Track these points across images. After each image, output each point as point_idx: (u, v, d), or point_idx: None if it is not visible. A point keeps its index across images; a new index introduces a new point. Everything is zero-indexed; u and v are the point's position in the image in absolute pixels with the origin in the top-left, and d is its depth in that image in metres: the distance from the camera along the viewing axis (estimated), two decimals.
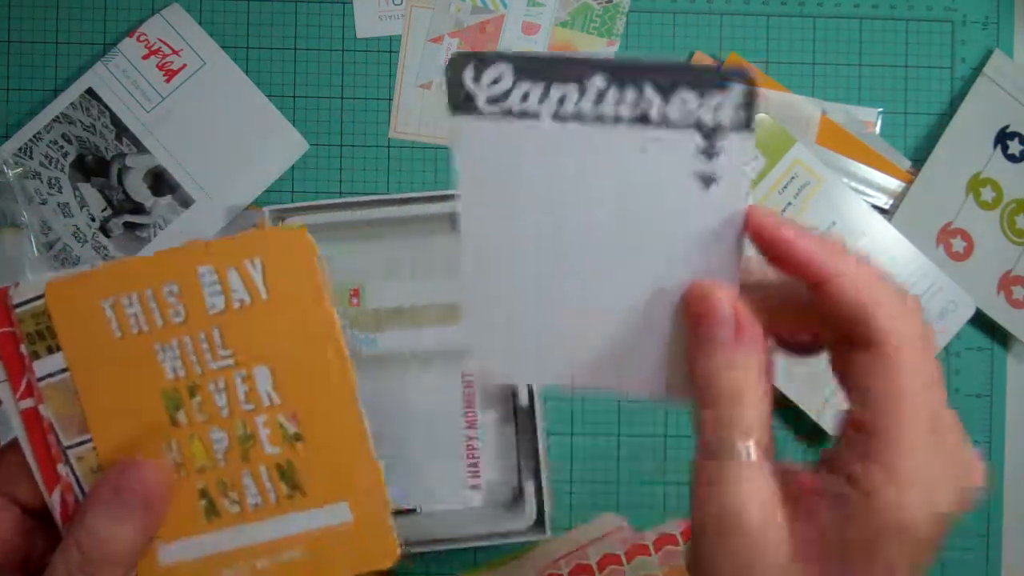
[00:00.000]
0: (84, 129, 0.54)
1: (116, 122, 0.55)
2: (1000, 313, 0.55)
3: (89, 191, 0.55)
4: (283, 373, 0.28)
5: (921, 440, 0.24)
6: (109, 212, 0.55)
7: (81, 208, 0.55)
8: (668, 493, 0.56)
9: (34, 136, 0.54)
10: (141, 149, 0.55)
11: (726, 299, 0.26)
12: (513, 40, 0.56)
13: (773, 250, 0.26)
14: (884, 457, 0.24)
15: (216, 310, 0.28)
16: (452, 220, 0.53)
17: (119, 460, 0.28)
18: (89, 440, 0.28)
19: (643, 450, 0.56)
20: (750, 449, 0.25)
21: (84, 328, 0.28)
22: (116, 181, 0.55)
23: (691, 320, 0.27)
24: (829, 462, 0.25)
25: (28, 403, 0.28)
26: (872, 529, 0.24)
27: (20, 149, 0.54)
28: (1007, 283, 0.55)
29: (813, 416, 0.54)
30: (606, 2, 0.56)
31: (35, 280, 0.28)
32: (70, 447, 0.28)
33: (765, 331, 0.27)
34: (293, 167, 0.56)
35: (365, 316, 0.53)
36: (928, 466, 0.24)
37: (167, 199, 0.55)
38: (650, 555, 0.54)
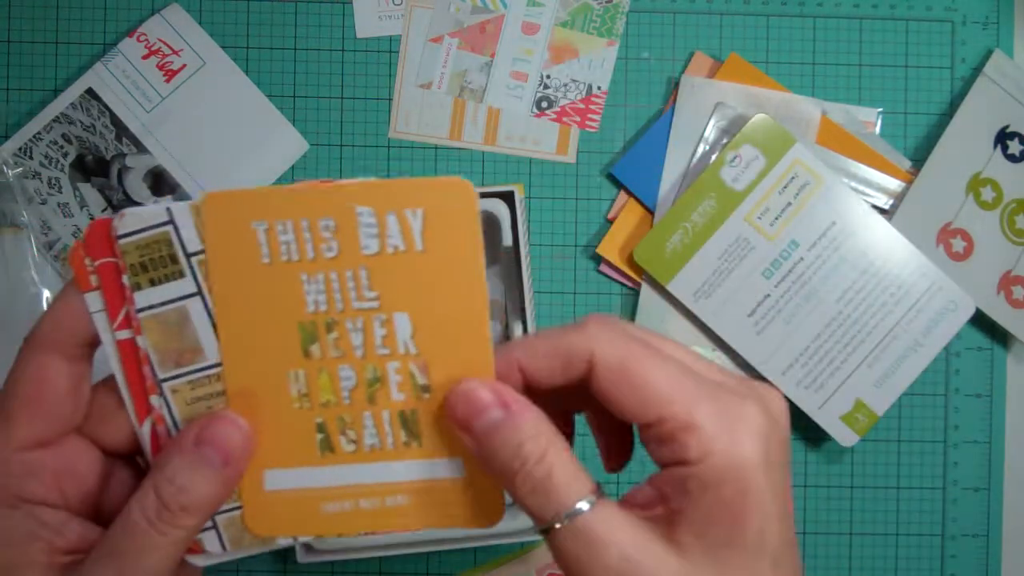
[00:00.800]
0: (84, 129, 0.54)
1: (116, 122, 0.55)
2: (1000, 313, 0.55)
3: (89, 191, 0.55)
4: (423, 324, 0.28)
5: (698, 391, 0.26)
6: (109, 212, 0.55)
7: (81, 208, 0.55)
8: None
9: (34, 136, 0.54)
10: (141, 149, 0.55)
11: (476, 385, 0.27)
12: (513, 40, 0.56)
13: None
14: (683, 427, 0.25)
15: (369, 251, 0.28)
16: None
17: (206, 413, 0.28)
18: (185, 374, 0.28)
19: (642, 449, 0.56)
20: (592, 500, 0.25)
21: (234, 247, 0.27)
22: (116, 181, 0.55)
23: (461, 425, 0.27)
24: (652, 476, 0.27)
25: (125, 334, 0.28)
26: (724, 488, 0.25)
27: (20, 149, 0.54)
28: (1007, 283, 0.55)
29: (812, 416, 0.54)
30: (606, 2, 0.56)
31: (139, 210, 0.28)
32: (165, 380, 0.28)
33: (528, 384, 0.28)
34: (293, 167, 0.56)
35: None
36: (720, 405, 0.26)
37: (167, 199, 0.55)
38: None
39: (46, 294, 0.54)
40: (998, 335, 0.57)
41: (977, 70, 0.56)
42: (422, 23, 0.56)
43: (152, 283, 0.28)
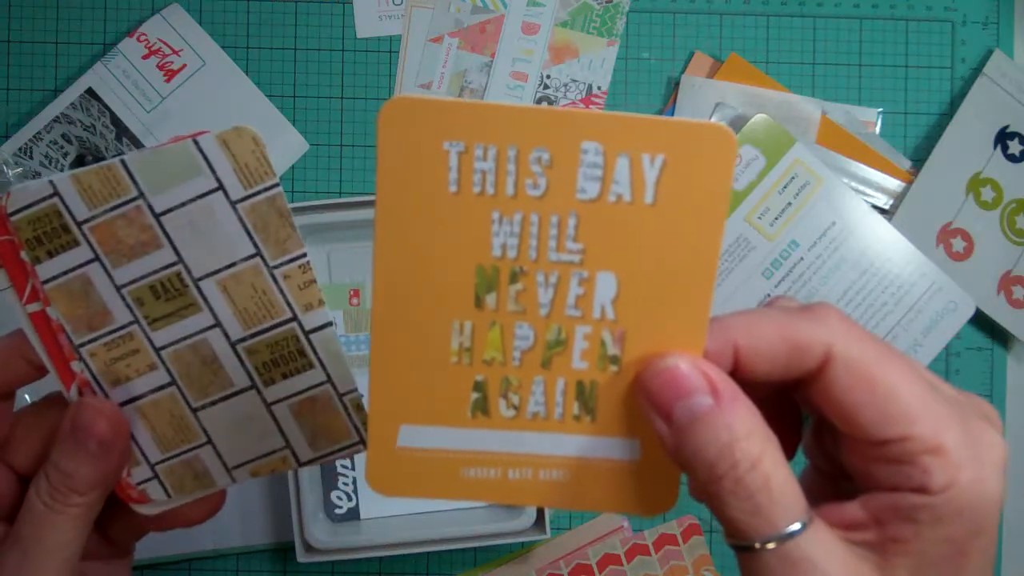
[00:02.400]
0: (84, 129, 0.54)
1: (116, 122, 0.55)
2: (1000, 313, 0.55)
3: None
4: (632, 289, 0.24)
5: (945, 413, 0.23)
6: None
7: None
8: None
9: (34, 136, 0.54)
10: (141, 149, 0.55)
11: (683, 361, 0.23)
12: (513, 40, 0.56)
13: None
14: (929, 450, 0.22)
15: (585, 196, 0.23)
16: None
17: (77, 400, 0.29)
18: (99, 337, 0.29)
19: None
20: (804, 522, 0.22)
21: (413, 167, 0.23)
22: None
23: (657, 407, 0.23)
24: (863, 489, 0.24)
25: (35, 306, 0.29)
26: (961, 523, 0.22)
27: (20, 149, 0.54)
28: (1007, 283, 0.55)
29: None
30: (606, 2, 0.56)
31: (25, 186, 0.28)
32: (82, 344, 0.29)
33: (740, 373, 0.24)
34: (293, 167, 0.56)
35: (366, 316, 0.53)
36: (966, 431, 0.23)
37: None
38: (650, 555, 0.54)
39: None
40: (998, 335, 0.57)
41: (977, 70, 0.56)
42: (422, 23, 0.56)
43: (50, 255, 0.28)
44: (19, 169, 0.54)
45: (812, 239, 0.54)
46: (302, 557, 0.50)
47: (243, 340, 0.29)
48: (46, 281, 0.28)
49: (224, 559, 0.55)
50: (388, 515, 0.53)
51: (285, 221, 0.29)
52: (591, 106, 0.56)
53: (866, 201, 0.54)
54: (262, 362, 0.30)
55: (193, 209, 0.28)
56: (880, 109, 0.57)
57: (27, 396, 0.54)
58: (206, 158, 0.28)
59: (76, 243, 0.28)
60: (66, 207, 0.28)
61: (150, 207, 0.28)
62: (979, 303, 0.54)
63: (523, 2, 0.56)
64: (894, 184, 0.55)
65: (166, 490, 0.30)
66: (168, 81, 0.55)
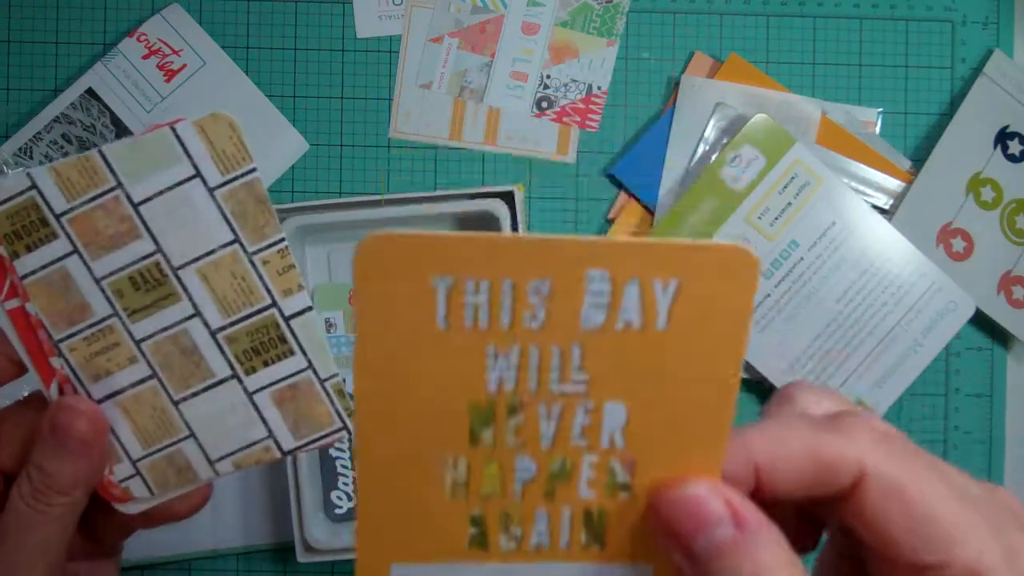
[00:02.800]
0: (84, 129, 0.54)
1: (116, 122, 0.55)
2: (1000, 313, 0.55)
3: None
4: (643, 417, 0.22)
5: (984, 529, 0.21)
6: None
7: None
8: None
9: (34, 136, 0.54)
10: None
11: (703, 487, 0.21)
12: (513, 40, 0.56)
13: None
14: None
15: (590, 326, 0.22)
16: (453, 220, 0.53)
17: (56, 400, 0.29)
18: (79, 332, 0.29)
19: None
20: None
21: (397, 304, 0.21)
22: None
23: (676, 538, 0.21)
24: None
25: (13, 303, 0.29)
26: None
27: (20, 149, 0.54)
28: (1007, 283, 0.55)
29: None
30: (606, 2, 0.56)
31: (2, 180, 0.28)
32: (61, 340, 0.29)
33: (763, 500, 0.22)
34: (293, 167, 0.56)
35: None
36: (1004, 545, 0.21)
37: None
38: None
39: None
40: (998, 335, 0.57)
41: (977, 70, 0.56)
42: (422, 23, 0.56)
43: (28, 249, 0.28)
44: (19, 169, 0.54)
45: (812, 239, 0.54)
46: (302, 557, 0.50)
47: (223, 328, 0.29)
48: (25, 276, 0.28)
49: (224, 559, 0.55)
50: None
51: (263, 207, 0.29)
52: (591, 106, 0.56)
53: (866, 201, 0.54)
54: (243, 350, 0.29)
55: (171, 197, 0.28)
56: (880, 109, 0.57)
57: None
58: (183, 145, 0.28)
59: (55, 236, 0.28)
60: (44, 200, 0.28)
61: (128, 197, 0.28)
62: (979, 303, 0.54)
63: (523, 2, 0.56)
64: (894, 184, 0.55)
65: (149, 487, 0.30)
66: (168, 81, 0.55)
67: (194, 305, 0.29)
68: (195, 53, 0.55)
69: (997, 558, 0.21)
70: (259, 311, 0.29)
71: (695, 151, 0.55)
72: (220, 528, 0.54)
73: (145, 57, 0.55)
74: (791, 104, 0.55)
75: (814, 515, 0.25)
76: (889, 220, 0.54)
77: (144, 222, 0.28)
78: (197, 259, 0.29)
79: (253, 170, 0.28)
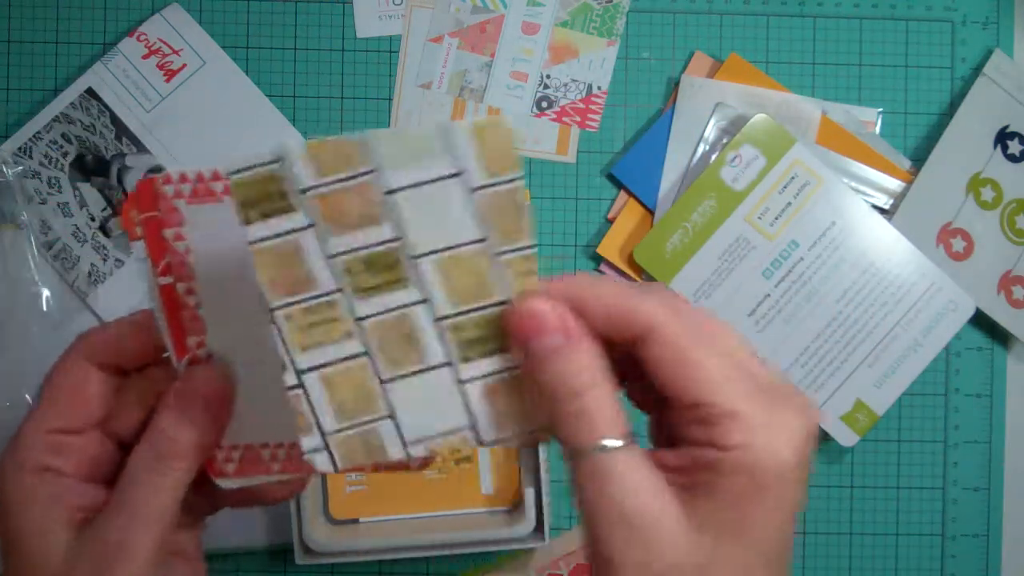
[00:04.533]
0: (84, 129, 0.54)
1: (116, 122, 0.55)
2: (1000, 313, 0.55)
3: (89, 191, 0.55)
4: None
5: (750, 387, 0.27)
6: (109, 212, 0.55)
7: (81, 208, 0.55)
8: None
9: (34, 136, 0.54)
10: (141, 149, 0.55)
11: (548, 306, 0.27)
12: (513, 40, 0.56)
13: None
14: (729, 416, 0.26)
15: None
16: None
17: (189, 370, 0.30)
18: (298, 301, 0.29)
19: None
20: (619, 442, 0.26)
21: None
22: (116, 181, 0.55)
23: (521, 338, 0.28)
24: (684, 440, 0.27)
25: (166, 279, 0.30)
26: (749, 482, 0.26)
27: (20, 149, 0.54)
28: (1007, 283, 0.55)
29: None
30: (606, 2, 0.56)
31: (251, 153, 0.28)
32: (277, 308, 0.29)
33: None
34: None
35: None
36: (768, 405, 0.26)
37: None
38: None
39: (46, 293, 0.54)
40: (998, 335, 0.57)
41: (977, 70, 0.56)
42: (422, 23, 0.56)
43: (264, 216, 0.28)
44: (19, 168, 0.54)
45: (812, 239, 0.54)
46: (300, 559, 0.50)
47: (448, 316, 0.29)
48: (253, 242, 0.28)
49: (224, 559, 0.55)
50: (387, 519, 0.53)
51: (520, 212, 0.28)
52: (591, 105, 0.56)
53: (866, 201, 0.54)
54: (465, 339, 0.29)
55: (426, 191, 0.28)
56: (880, 109, 0.57)
57: (27, 397, 0.54)
58: (452, 143, 0.28)
59: (292, 209, 0.28)
60: (289, 174, 0.28)
61: (382, 183, 0.28)
62: (979, 303, 0.54)
63: (523, 2, 0.56)
64: (894, 184, 0.55)
65: (334, 461, 0.30)
66: (168, 81, 0.55)
67: (425, 292, 0.29)
68: (195, 53, 0.55)
69: (754, 409, 0.26)
70: (490, 306, 0.29)
71: (695, 151, 0.55)
72: (220, 528, 0.54)
73: (145, 57, 0.55)
74: (791, 104, 0.55)
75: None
76: (889, 220, 0.54)
77: (392, 210, 0.28)
78: (437, 251, 0.29)
79: (519, 178, 0.28)
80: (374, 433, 0.30)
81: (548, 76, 0.56)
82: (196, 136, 0.55)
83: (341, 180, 0.28)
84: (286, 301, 0.29)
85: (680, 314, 0.27)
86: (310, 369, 0.29)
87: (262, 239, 0.28)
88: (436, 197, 0.28)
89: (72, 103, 0.54)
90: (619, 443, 0.26)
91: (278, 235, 0.28)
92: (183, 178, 0.29)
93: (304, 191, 0.28)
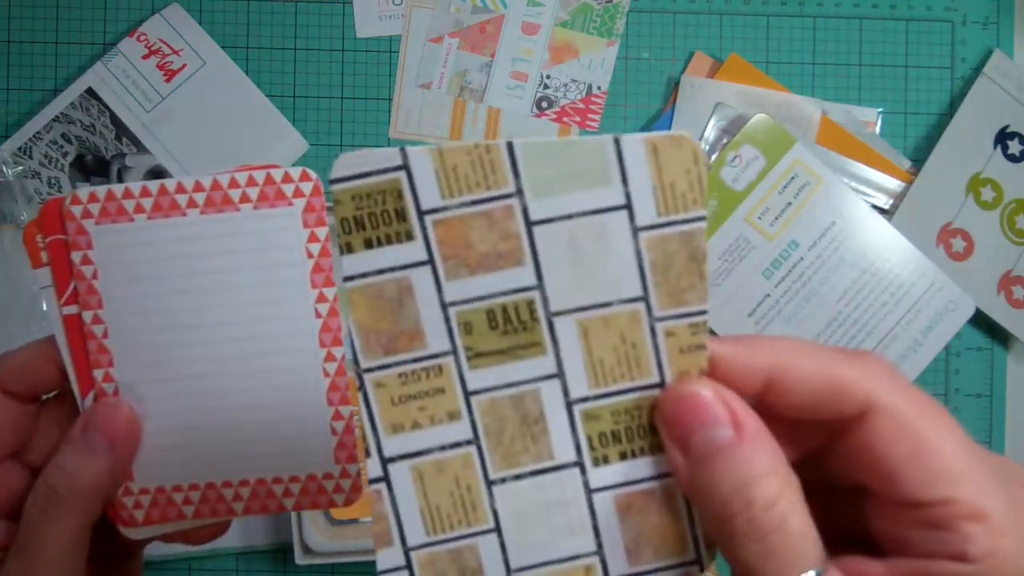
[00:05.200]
0: (84, 129, 0.54)
1: (116, 122, 0.55)
2: (1000, 313, 0.55)
3: None
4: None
5: (986, 478, 0.21)
6: None
7: None
8: None
9: (34, 136, 0.54)
10: (141, 149, 0.55)
11: (710, 389, 0.22)
12: (513, 40, 0.56)
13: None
14: (973, 516, 0.21)
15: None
16: None
17: (95, 403, 0.28)
18: (397, 364, 0.23)
19: None
20: (820, 571, 0.21)
21: None
22: (116, 181, 0.55)
23: (676, 432, 0.22)
24: (891, 553, 0.22)
25: (71, 309, 0.28)
26: None
27: (20, 149, 0.54)
28: (1007, 283, 0.55)
29: None
30: (606, 2, 0.56)
31: (364, 152, 0.22)
32: (369, 370, 0.23)
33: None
34: (293, 167, 0.56)
35: None
36: (1006, 496, 0.21)
37: None
38: None
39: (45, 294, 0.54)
40: (998, 335, 0.57)
41: (977, 70, 0.56)
42: (422, 23, 0.56)
43: (368, 245, 0.22)
44: (19, 168, 0.54)
45: (812, 239, 0.54)
46: (300, 559, 0.50)
47: (585, 400, 0.23)
48: (351, 277, 0.22)
49: (224, 559, 0.55)
50: None
51: (695, 267, 0.23)
52: (591, 105, 0.56)
53: (866, 201, 0.54)
54: (599, 432, 0.23)
55: (580, 224, 0.22)
56: (880, 109, 0.57)
57: None
58: (622, 164, 0.22)
59: (410, 236, 0.22)
60: (412, 188, 0.22)
61: (524, 210, 0.22)
62: (979, 303, 0.54)
63: (523, 2, 0.56)
64: (894, 184, 0.55)
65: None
66: (168, 81, 0.55)
67: (559, 363, 0.22)
68: (195, 53, 0.55)
69: (1000, 505, 0.21)
70: (638, 388, 0.23)
71: None
72: None
73: (145, 57, 0.55)
74: (791, 104, 0.55)
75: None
76: (889, 220, 0.54)
77: (534, 247, 0.22)
78: (584, 308, 0.22)
79: (700, 219, 0.23)
80: (470, 552, 0.23)
81: (548, 76, 0.56)
82: (196, 136, 0.55)
83: (475, 203, 0.22)
84: (382, 362, 0.23)
85: (905, 386, 0.22)
86: (400, 457, 0.23)
87: (365, 275, 0.22)
88: (592, 235, 0.22)
89: (72, 103, 0.54)
90: (818, 572, 0.21)
91: (383, 271, 0.22)
92: (92, 197, 0.27)
93: (424, 213, 0.22)
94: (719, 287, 0.54)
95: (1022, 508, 0.21)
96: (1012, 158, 0.55)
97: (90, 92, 0.54)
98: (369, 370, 0.22)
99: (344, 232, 0.22)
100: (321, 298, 0.27)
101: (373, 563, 0.57)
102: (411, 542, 0.23)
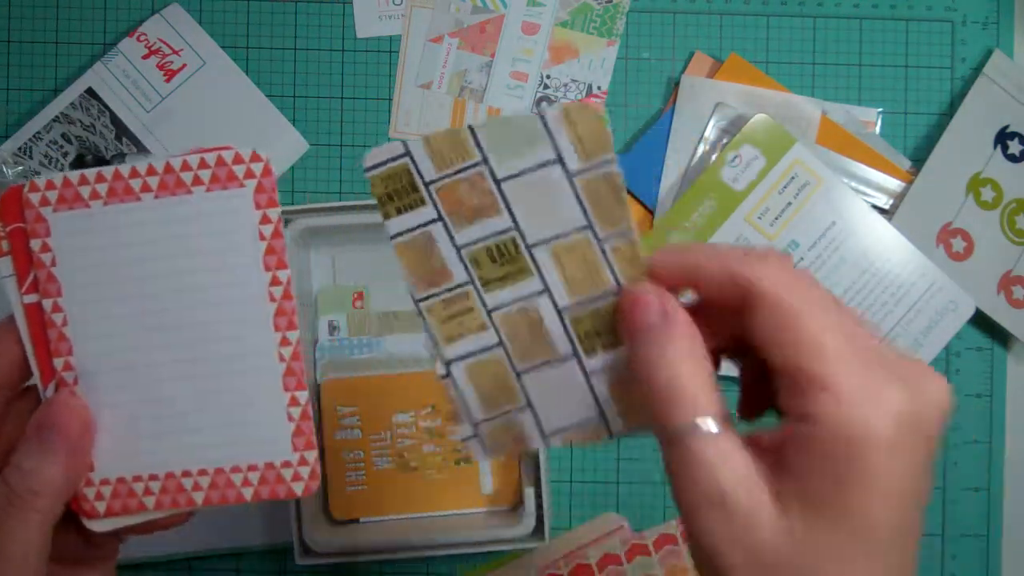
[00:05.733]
0: (84, 129, 0.54)
1: (116, 122, 0.55)
2: (1000, 313, 0.55)
3: None
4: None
5: (850, 357, 0.25)
6: None
7: None
8: (668, 493, 0.56)
9: (34, 136, 0.54)
10: (141, 149, 0.55)
11: (649, 290, 0.28)
12: (513, 40, 0.56)
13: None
14: (821, 385, 0.24)
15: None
16: None
17: (48, 398, 0.28)
18: (438, 294, 0.30)
19: (643, 450, 0.56)
20: (710, 425, 0.25)
21: None
22: None
23: (625, 325, 0.28)
24: (782, 415, 0.26)
25: (32, 298, 0.28)
26: (838, 456, 0.24)
27: (20, 149, 0.54)
28: (1007, 283, 0.55)
29: None
30: (606, 2, 0.56)
31: (381, 146, 0.29)
32: (422, 299, 0.30)
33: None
34: (293, 167, 0.56)
35: (369, 319, 0.53)
36: (867, 376, 0.24)
37: None
38: (650, 555, 0.54)
39: None
40: (998, 335, 0.57)
41: (977, 70, 0.56)
42: (422, 23, 0.56)
43: (398, 212, 0.29)
44: (19, 168, 0.54)
45: (812, 239, 0.54)
46: (300, 559, 0.50)
47: (568, 308, 0.30)
48: (394, 236, 0.29)
49: (223, 559, 0.55)
50: (387, 519, 0.53)
51: (618, 195, 0.29)
52: None
53: (866, 201, 0.54)
54: (584, 331, 0.30)
55: (531, 178, 0.29)
56: (880, 109, 0.57)
57: None
58: (548, 129, 0.29)
59: (423, 202, 0.29)
60: (416, 167, 0.29)
61: (492, 173, 0.29)
62: (979, 303, 0.54)
63: (523, 2, 0.56)
64: (894, 184, 0.55)
65: (485, 449, 0.31)
66: (168, 81, 0.55)
67: (544, 282, 0.29)
68: (195, 53, 0.55)
69: (853, 382, 0.24)
70: (604, 296, 0.29)
71: (695, 151, 0.55)
72: (219, 528, 0.54)
73: (145, 57, 0.55)
74: (791, 104, 0.55)
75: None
76: (889, 220, 0.54)
77: (504, 199, 0.29)
78: (550, 239, 0.29)
79: (612, 161, 0.29)
80: (516, 422, 0.30)
81: (548, 76, 0.56)
82: (196, 136, 0.55)
83: (457, 172, 0.29)
84: (429, 293, 0.30)
85: (793, 281, 0.26)
86: (456, 359, 0.30)
87: (401, 233, 0.29)
88: (542, 184, 0.29)
89: (72, 103, 0.54)
90: (713, 428, 0.25)
91: (414, 228, 0.29)
92: (49, 184, 0.28)
93: (428, 184, 0.29)
94: None
95: (876, 389, 0.24)
96: (1012, 158, 0.55)
97: (90, 92, 0.54)
98: (422, 299, 0.30)
99: (381, 205, 0.29)
100: (275, 281, 0.30)
101: (374, 563, 0.57)
102: (476, 418, 0.30)
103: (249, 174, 0.29)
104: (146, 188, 0.28)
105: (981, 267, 0.55)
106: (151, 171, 0.28)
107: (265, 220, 0.29)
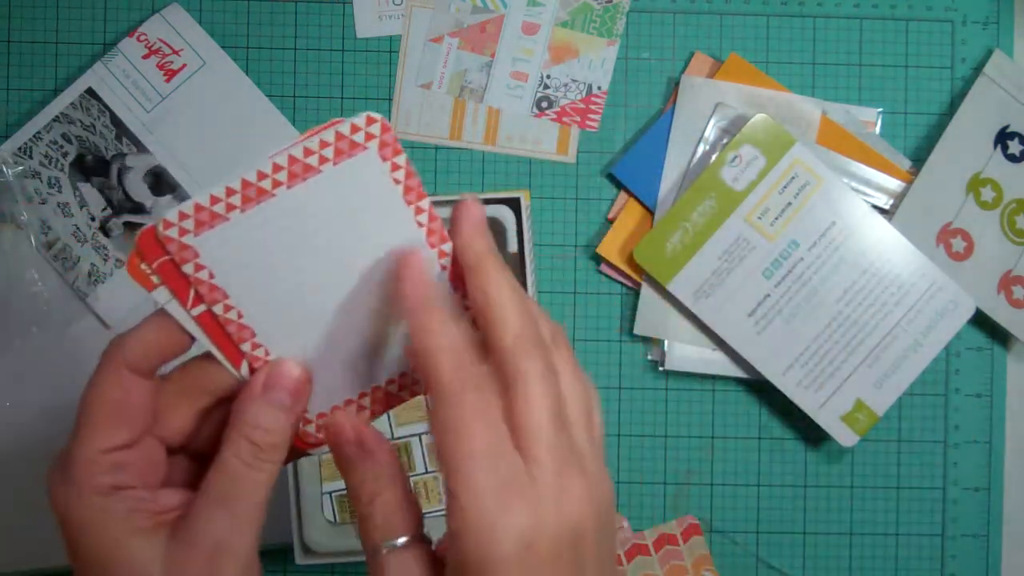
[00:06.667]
0: (84, 129, 0.54)
1: (116, 122, 0.55)
2: (1000, 313, 0.55)
3: (89, 191, 0.55)
4: None
5: (483, 477, 0.27)
6: (109, 212, 0.55)
7: (81, 208, 0.55)
8: (668, 493, 0.56)
9: (34, 136, 0.54)
10: (141, 149, 0.55)
11: (346, 422, 0.31)
12: (513, 40, 0.56)
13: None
14: (453, 502, 0.27)
15: None
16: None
17: (269, 363, 0.31)
18: None
19: (643, 450, 0.56)
20: (402, 541, 0.29)
21: None
22: (116, 181, 0.55)
23: (332, 447, 0.31)
24: None
25: (200, 309, 0.30)
26: (460, 567, 0.27)
27: (20, 149, 0.54)
28: (1007, 283, 0.55)
29: (813, 416, 0.54)
30: (606, 2, 0.56)
31: None
32: None
33: None
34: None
35: None
36: (495, 498, 0.27)
37: (167, 198, 0.55)
38: (650, 555, 0.54)
39: (46, 294, 0.54)
40: (998, 335, 0.57)
41: (977, 70, 0.56)
42: (422, 23, 0.56)
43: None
44: (19, 168, 0.54)
45: (812, 239, 0.54)
46: (300, 559, 0.50)
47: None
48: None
49: None
50: None
51: None
52: (591, 105, 0.56)
53: (866, 201, 0.54)
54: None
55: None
56: (880, 109, 0.57)
57: None
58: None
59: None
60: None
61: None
62: (979, 303, 0.54)
63: (523, 2, 0.56)
64: (894, 184, 0.55)
65: None
66: (168, 81, 0.55)
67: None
68: (195, 53, 0.55)
69: (482, 492, 0.27)
70: None
71: (695, 151, 0.55)
72: None
73: (145, 57, 0.55)
74: (791, 104, 0.55)
75: None
76: (889, 220, 0.54)
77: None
78: None
79: None
80: None
81: (548, 76, 0.56)
82: (196, 136, 0.55)
83: None
84: None
85: (459, 389, 0.28)
86: None
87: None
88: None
89: (72, 103, 0.54)
90: (401, 542, 0.29)
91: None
92: (182, 215, 0.29)
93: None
94: (719, 287, 0.54)
95: (503, 502, 0.26)
96: (1012, 158, 0.56)
97: (90, 92, 0.54)
98: None
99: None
100: (418, 211, 0.31)
101: None
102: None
103: (369, 136, 0.30)
104: (277, 184, 0.29)
105: (981, 267, 0.55)
106: (276, 168, 0.29)
107: (395, 168, 0.30)
